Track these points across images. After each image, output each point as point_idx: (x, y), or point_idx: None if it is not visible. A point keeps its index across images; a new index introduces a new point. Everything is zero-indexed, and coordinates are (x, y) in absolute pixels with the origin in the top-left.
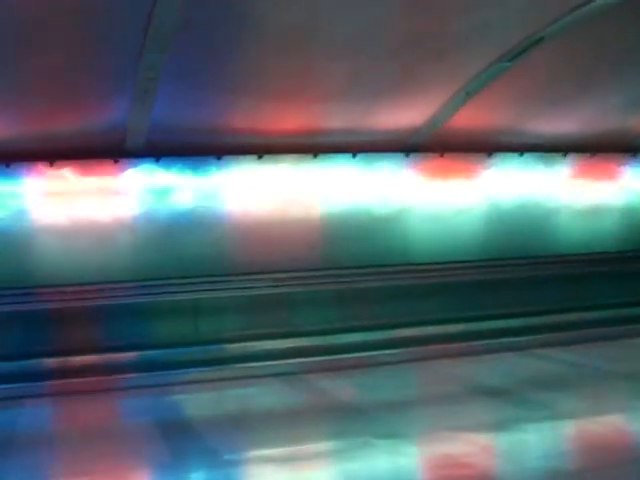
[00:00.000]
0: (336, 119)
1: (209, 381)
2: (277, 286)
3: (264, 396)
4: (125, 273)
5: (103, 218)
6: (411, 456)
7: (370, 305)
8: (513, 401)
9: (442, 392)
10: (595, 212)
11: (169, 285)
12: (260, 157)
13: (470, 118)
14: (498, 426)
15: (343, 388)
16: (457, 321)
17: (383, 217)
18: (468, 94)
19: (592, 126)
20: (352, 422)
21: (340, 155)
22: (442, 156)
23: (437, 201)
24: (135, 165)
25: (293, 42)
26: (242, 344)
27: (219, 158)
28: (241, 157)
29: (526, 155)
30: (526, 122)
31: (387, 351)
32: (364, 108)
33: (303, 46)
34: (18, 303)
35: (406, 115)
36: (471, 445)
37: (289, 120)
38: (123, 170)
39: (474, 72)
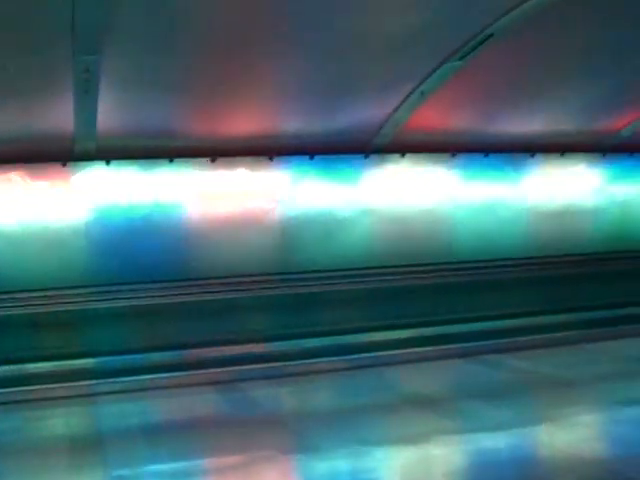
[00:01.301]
0: (292, 120)
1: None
2: (229, 291)
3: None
4: (77, 278)
5: (53, 223)
6: (301, 471)
7: (328, 310)
8: (441, 412)
9: (372, 402)
10: (565, 213)
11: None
12: (214, 160)
13: (431, 118)
14: (412, 439)
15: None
16: (409, 326)
17: (344, 220)
18: (423, 94)
19: (560, 126)
20: (268, 434)
21: (297, 157)
22: (403, 157)
23: (400, 203)
24: (85, 169)
25: (244, 42)
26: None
27: (171, 161)
28: (194, 160)
29: (491, 156)
30: (490, 122)
31: (339, 357)
32: (320, 109)
33: (255, 46)
34: None
35: (364, 116)
36: (370, 461)
37: (244, 122)
38: (73, 174)
39: (427, 71)
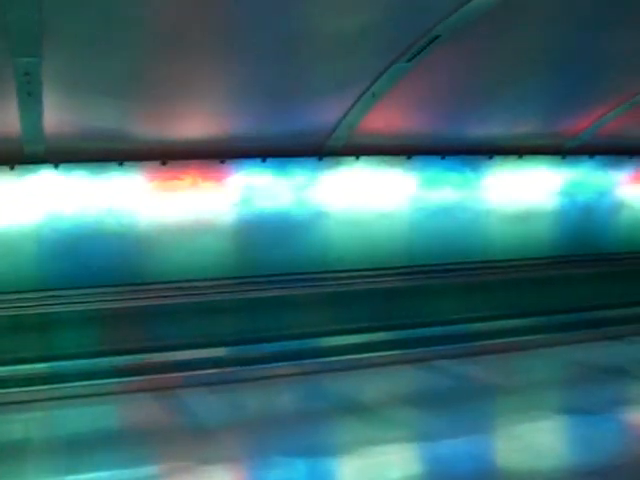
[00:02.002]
0: (243, 123)
1: None
2: (182, 295)
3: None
4: (25, 282)
5: (3, 226)
6: None
7: (282, 315)
8: (374, 420)
9: (306, 410)
10: (525, 216)
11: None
12: (164, 163)
13: (385, 120)
14: (335, 450)
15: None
16: (360, 331)
17: (300, 223)
18: (374, 95)
19: (518, 128)
20: (191, 444)
21: (249, 159)
22: (358, 159)
23: (356, 205)
24: (33, 172)
25: (190, 44)
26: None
27: (121, 164)
28: (144, 163)
29: (448, 158)
30: (446, 124)
31: (288, 363)
32: (272, 111)
33: (201, 48)
34: None
35: (317, 118)
36: (286, 473)
37: (195, 125)
38: (21, 177)
39: (376, 72)
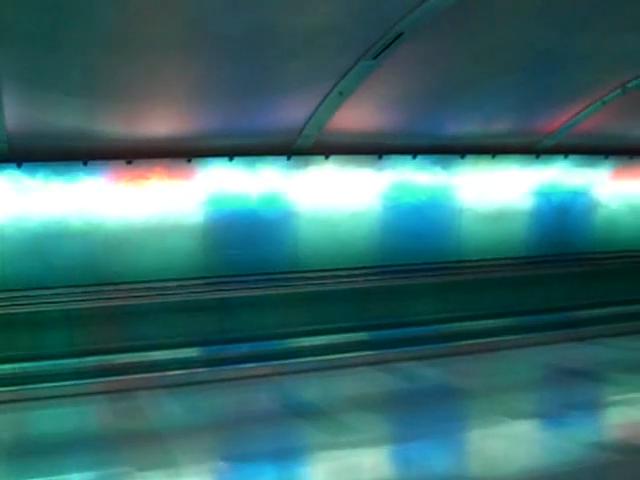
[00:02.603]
0: (210, 121)
1: None
2: (151, 296)
3: None
4: None
5: None
6: None
7: (252, 315)
8: (323, 425)
9: (256, 414)
10: (499, 215)
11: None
12: (129, 162)
13: (355, 119)
14: (279, 455)
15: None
16: (327, 332)
17: (269, 222)
18: (342, 94)
19: (491, 126)
20: (134, 449)
21: (216, 158)
22: (327, 159)
23: (327, 205)
24: None
25: (153, 41)
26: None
27: (85, 163)
28: (109, 162)
29: (420, 157)
30: (417, 123)
31: (257, 364)
32: (239, 109)
33: (164, 45)
34: None
35: (285, 116)
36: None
37: (160, 123)
38: None
39: (343, 70)
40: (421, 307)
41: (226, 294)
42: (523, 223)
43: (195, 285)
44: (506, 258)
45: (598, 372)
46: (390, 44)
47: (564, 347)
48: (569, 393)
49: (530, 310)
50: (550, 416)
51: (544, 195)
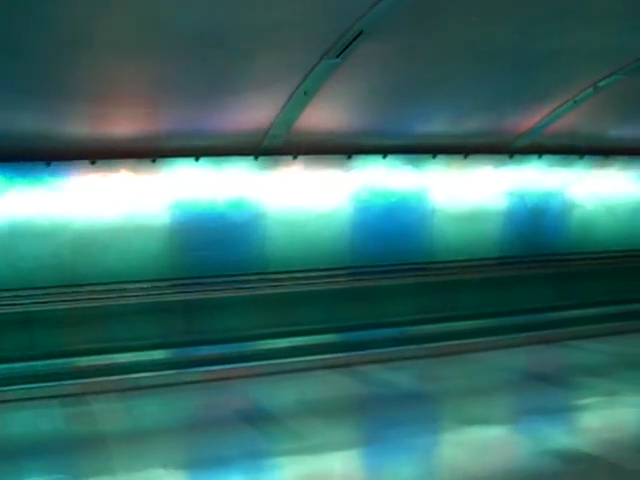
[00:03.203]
0: (175, 122)
1: None
2: (116, 298)
3: None
4: None
5: None
6: None
7: (217, 317)
8: (270, 431)
9: (205, 420)
10: (472, 216)
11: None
12: (93, 162)
13: (323, 119)
14: (221, 462)
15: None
16: (292, 334)
17: (237, 223)
18: (306, 93)
19: (462, 126)
20: (73, 456)
21: (181, 159)
22: (296, 159)
23: (296, 205)
24: None
25: (117, 42)
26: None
27: (48, 164)
28: (73, 162)
29: (390, 157)
30: (386, 122)
31: (221, 366)
32: (205, 109)
33: (130, 46)
34: None
35: (252, 116)
36: None
37: (124, 124)
38: None
39: (306, 69)
40: (389, 309)
41: (192, 296)
42: (497, 224)
43: (161, 287)
44: (479, 259)
45: (561, 376)
46: (351, 42)
47: (532, 350)
48: (528, 398)
49: (501, 312)
50: (504, 422)
51: (518, 195)
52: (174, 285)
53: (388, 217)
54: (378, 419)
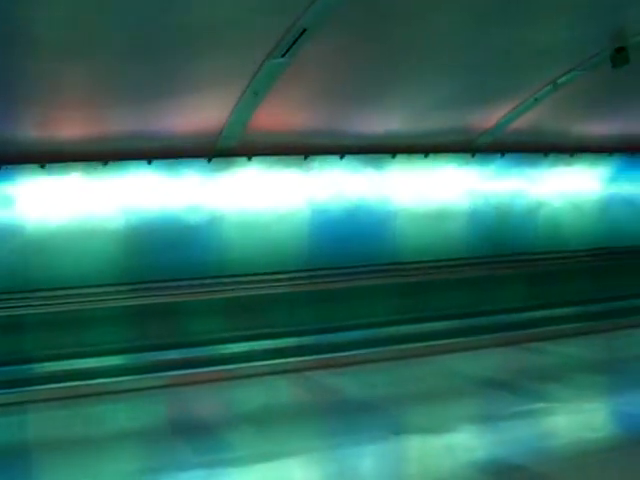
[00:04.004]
0: (127, 124)
1: None
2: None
3: None
4: None
5: None
6: None
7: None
8: (194, 441)
9: (131, 429)
10: (436, 216)
11: None
12: (43, 166)
13: (279, 119)
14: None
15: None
16: (249, 339)
17: (193, 226)
18: (256, 93)
19: (422, 124)
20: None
21: (133, 162)
22: (250, 160)
23: (253, 208)
24: None
25: (62, 44)
26: None
27: None
28: (23, 167)
29: (349, 157)
30: (342, 122)
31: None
32: (156, 111)
33: (75, 48)
34: None
35: (203, 117)
36: None
37: (74, 126)
38: None
39: (253, 69)
40: (350, 312)
41: (147, 300)
42: (461, 223)
43: (116, 292)
44: (444, 260)
45: (513, 381)
46: (295, 41)
47: (491, 353)
48: (472, 405)
49: (465, 313)
50: (438, 431)
51: (483, 195)
52: (129, 290)
53: (349, 218)
54: (312, 429)
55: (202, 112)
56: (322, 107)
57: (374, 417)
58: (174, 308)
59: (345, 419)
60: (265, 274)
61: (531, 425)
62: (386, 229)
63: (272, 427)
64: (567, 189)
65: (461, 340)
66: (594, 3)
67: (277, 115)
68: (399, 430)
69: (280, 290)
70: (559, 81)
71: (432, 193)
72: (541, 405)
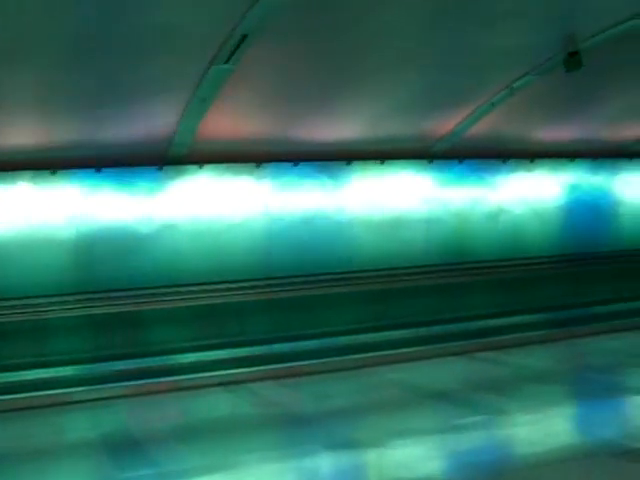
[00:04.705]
0: (73, 132)
1: None
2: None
3: None
4: None
5: None
6: None
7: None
8: (120, 457)
9: (62, 443)
10: (394, 224)
11: None
12: None
13: (229, 127)
14: None
15: None
16: (199, 349)
17: (144, 235)
18: (204, 100)
19: (377, 131)
20: None
21: (82, 170)
22: (201, 168)
23: (205, 216)
24: None
25: (11, 52)
26: None
27: None
28: None
29: (302, 164)
30: (294, 129)
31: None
32: (102, 119)
33: (24, 57)
34: None
35: (152, 125)
36: None
37: (20, 134)
38: None
39: (198, 76)
40: (303, 321)
41: (98, 310)
42: (420, 231)
43: (67, 301)
44: (401, 268)
45: (458, 392)
46: (237, 47)
47: (438, 363)
48: (407, 418)
49: (417, 322)
50: (371, 445)
51: (441, 201)
52: (80, 300)
53: (304, 226)
54: (243, 443)
55: (151, 119)
56: (273, 114)
57: (311, 430)
58: (122, 318)
59: (281, 433)
60: (218, 283)
61: (467, 439)
62: (342, 237)
63: (201, 442)
64: (528, 195)
65: (413, 350)
66: (547, 7)
67: (228, 122)
68: (332, 444)
69: (232, 299)
70: (514, 85)
71: (389, 200)
72: (481, 418)
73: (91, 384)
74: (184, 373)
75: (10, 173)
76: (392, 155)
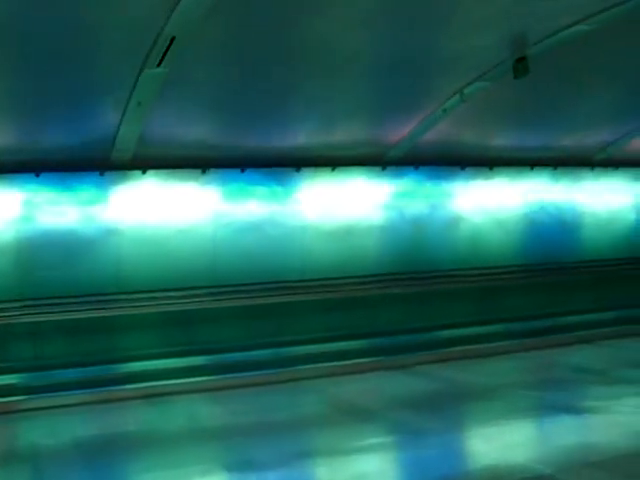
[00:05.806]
0: (9, 135)
1: None
2: None
3: None
4: None
5: None
6: None
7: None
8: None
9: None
10: (346, 231)
11: None
12: None
13: (173, 132)
14: None
15: None
16: (143, 358)
17: (87, 241)
18: (140, 104)
19: (328, 137)
20: None
21: (21, 175)
22: (145, 174)
23: (151, 222)
24: None
25: None
26: None
27: None
28: None
29: (250, 170)
30: (240, 134)
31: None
32: (40, 123)
33: None
34: None
35: (92, 129)
36: None
37: None
38: None
39: (131, 79)
40: (248, 331)
41: (40, 318)
42: (374, 239)
43: (6, 308)
44: (353, 277)
45: (380, 410)
46: (167, 50)
47: (374, 376)
48: (324, 436)
49: (361, 334)
50: (271, 466)
51: (396, 209)
52: (21, 307)
53: (252, 233)
54: (143, 462)
55: (90, 123)
56: (219, 119)
57: (210, 449)
58: (63, 326)
59: (184, 451)
60: (163, 290)
61: (374, 460)
62: (293, 245)
63: (100, 459)
64: (487, 203)
65: (351, 363)
66: (495, 12)
67: (172, 128)
68: (232, 464)
69: (175, 308)
70: (465, 91)
71: (341, 208)
72: (395, 437)
73: (33, 393)
74: (115, 384)
75: None
76: (343, 162)
